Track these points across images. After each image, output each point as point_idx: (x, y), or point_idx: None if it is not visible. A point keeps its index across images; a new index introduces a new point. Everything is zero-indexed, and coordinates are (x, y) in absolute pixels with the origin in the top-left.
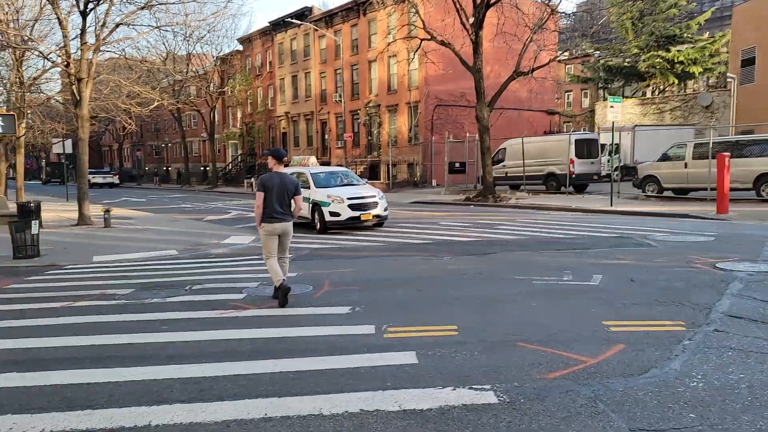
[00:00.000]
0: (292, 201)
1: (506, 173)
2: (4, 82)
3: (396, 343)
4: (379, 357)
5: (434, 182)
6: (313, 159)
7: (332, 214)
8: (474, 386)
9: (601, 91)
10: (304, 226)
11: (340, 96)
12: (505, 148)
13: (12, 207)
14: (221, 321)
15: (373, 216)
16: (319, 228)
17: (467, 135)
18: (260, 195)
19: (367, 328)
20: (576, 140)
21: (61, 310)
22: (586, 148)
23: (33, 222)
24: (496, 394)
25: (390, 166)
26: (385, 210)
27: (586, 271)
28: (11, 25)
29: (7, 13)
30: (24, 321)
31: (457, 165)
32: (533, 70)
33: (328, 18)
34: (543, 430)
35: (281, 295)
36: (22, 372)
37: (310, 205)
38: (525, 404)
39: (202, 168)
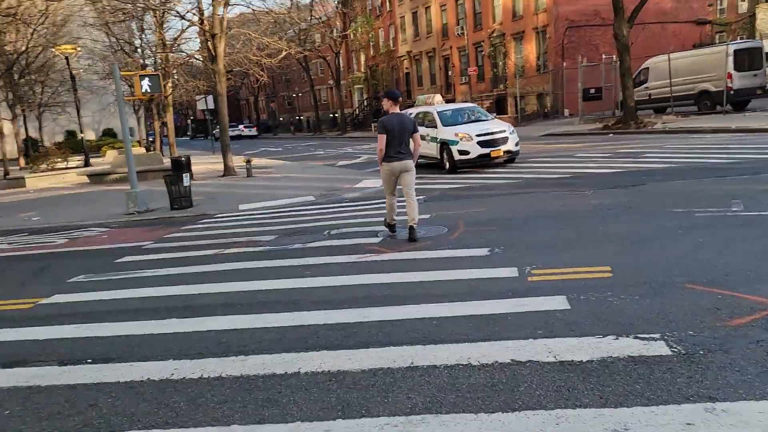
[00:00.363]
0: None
1: (649, 95)
2: (150, 45)
3: (543, 287)
4: (525, 302)
5: (567, 112)
6: (438, 97)
7: (461, 152)
8: (640, 335)
9: None
10: (433, 166)
11: (462, 28)
12: (647, 68)
13: (166, 162)
14: (360, 265)
15: (504, 152)
16: (449, 167)
17: (603, 57)
18: (382, 137)
19: (510, 270)
20: (735, 51)
21: (214, 258)
22: (748, 59)
23: (184, 175)
24: (668, 345)
25: (518, 99)
26: (516, 145)
27: (760, 199)
28: None
29: None
30: (182, 269)
31: (592, 91)
32: None
33: None
34: (732, 387)
35: (388, 228)
36: (182, 318)
37: (438, 144)
38: (706, 356)
39: (331, 115)
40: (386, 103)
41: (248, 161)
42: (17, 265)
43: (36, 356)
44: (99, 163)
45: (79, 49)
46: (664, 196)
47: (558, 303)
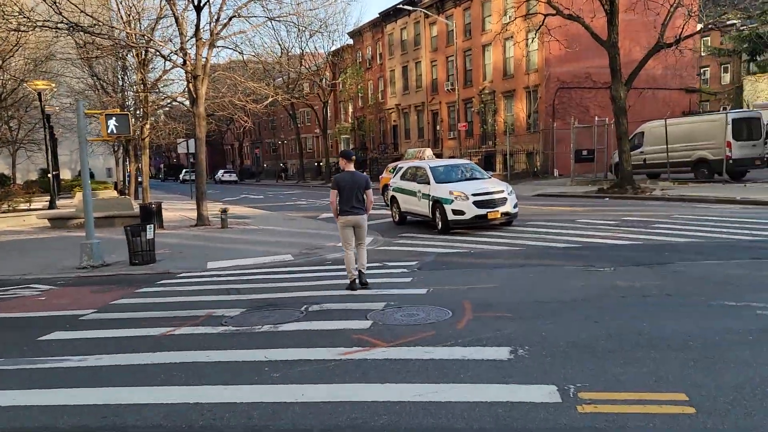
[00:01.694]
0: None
1: (644, 160)
2: (133, 85)
3: (605, 426)
4: None
5: (556, 172)
6: (428, 151)
7: (455, 212)
8: None
9: (746, 65)
10: (424, 225)
11: (452, 84)
12: (642, 132)
13: (137, 208)
14: (346, 366)
15: (502, 214)
16: (441, 228)
17: (595, 119)
18: (333, 192)
19: (547, 390)
20: (734, 120)
21: (160, 341)
22: (746, 129)
23: (148, 226)
24: None
25: (507, 156)
26: (515, 207)
27: None
28: (134, 25)
29: (129, 14)
30: (117, 357)
31: (585, 153)
32: (679, 40)
33: (440, 3)
34: None
35: (349, 287)
36: None
37: (431, 202)
38: None
39: (316, 164)
40: (341, 162)
41: (224, 211)
42: None
43: None
44: (67, 206)
45: (53, 86)
46: (703, 281)
47: None
